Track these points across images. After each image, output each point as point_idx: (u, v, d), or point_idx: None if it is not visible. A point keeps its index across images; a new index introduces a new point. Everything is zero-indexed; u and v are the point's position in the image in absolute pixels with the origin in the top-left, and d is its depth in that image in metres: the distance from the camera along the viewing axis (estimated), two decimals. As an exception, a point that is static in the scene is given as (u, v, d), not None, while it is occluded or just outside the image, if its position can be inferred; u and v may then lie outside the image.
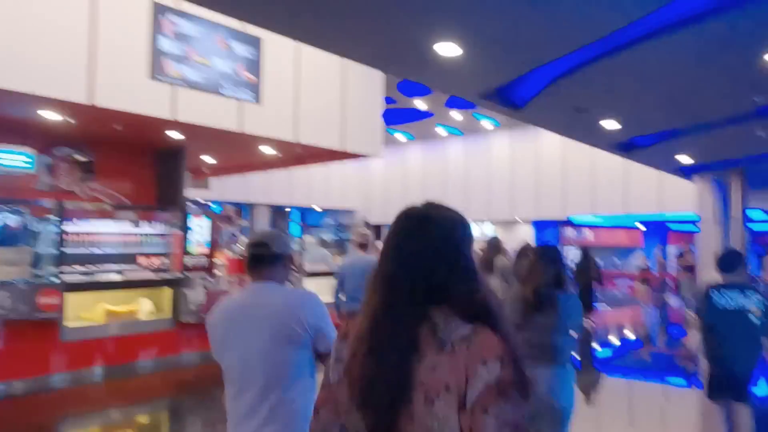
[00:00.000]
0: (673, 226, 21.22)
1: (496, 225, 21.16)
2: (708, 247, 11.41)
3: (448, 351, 1.10)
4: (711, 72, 5.40)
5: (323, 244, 10.46)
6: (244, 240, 8.98)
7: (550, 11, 3.97)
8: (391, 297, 1.19)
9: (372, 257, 6.17)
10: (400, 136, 21.65)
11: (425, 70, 5.17)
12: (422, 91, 15.07)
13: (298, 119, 8.73)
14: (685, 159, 9.99)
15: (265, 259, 2.09)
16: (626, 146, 9.23)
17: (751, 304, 3.64)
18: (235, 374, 2.03)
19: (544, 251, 3.26)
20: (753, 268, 15.39)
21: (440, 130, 20.59)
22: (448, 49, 4.52)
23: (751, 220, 14.14)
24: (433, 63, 4.86)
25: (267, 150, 10.05)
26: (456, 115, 17.98)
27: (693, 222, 21.80)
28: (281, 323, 1.98)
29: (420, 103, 16.59)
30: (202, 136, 8.67)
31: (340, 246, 12.05)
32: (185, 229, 7.88)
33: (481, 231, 21.56)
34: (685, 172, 11.98)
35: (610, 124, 7.22)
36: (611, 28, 4.16)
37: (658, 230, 20.83)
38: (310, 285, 8.77)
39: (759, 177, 11.96)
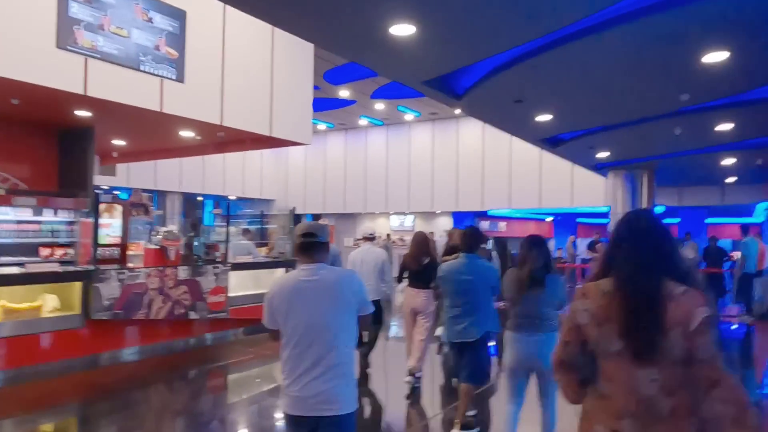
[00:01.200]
0: (581, 219, 22.36)
1: (417, 216, 21.32)
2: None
3: (676, 300, 1.76)
4: (647, 70, 5.56)
5: (247, 235, 9.93)
6: (160, 230, 8.30)
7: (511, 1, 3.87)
8: (640, 271, 1.82)
9: (380, 249, 6.69)
10: (320, 125, 21.23)
11: (377, 52, 4.93)
12: (349, 79, 14.78)
13: (223, 100, 8.19)
14: (602, 155, 10.42)
15: (314, 246, 2.61)
16: (553, 141, 9.47)
17: None
18: (302, 335, 2.51)
19: (535, 242, 3.76)
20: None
21: (363, 121, 20.40)
22: (403, 30, 4.30)
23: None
24: (385, 46, 4.62)
25: (186, 134, 9.39)
26: (380, 105, 17.84)
27: (601, 215, 23.16)
28: (339, 294, 2.56)
29: (345, 93, 16.28)
30: (114, 115, 7.91)
31: (261, 237, 11.55)
32: (96, 217, 7.15)
33: (400, 222, 21.66)
34: (600, 167, 12.57)
35: (544, 118, 7.33)
36: (574, 17, 4.11)
37: (566, 223, 21.89)
38: (235, 278, 8.30)
39: (664, 174, 12.79)
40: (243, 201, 21.32)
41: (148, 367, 7.01)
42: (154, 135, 9.73)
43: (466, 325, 4.31)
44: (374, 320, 5.38)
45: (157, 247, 7.63)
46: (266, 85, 8.86)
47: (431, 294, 5.63)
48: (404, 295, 6.03)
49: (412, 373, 5.69)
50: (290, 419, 2.54)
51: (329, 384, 2.46)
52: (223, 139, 9.70)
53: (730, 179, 14.25)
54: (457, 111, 18.46)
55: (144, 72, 7.09)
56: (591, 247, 14.29)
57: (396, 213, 21.60)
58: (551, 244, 21.28)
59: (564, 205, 17.93)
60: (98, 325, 6.72)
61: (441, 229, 20.95)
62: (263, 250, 10.38)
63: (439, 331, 6.46)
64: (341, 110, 18.42)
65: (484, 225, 21.40)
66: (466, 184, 19.34)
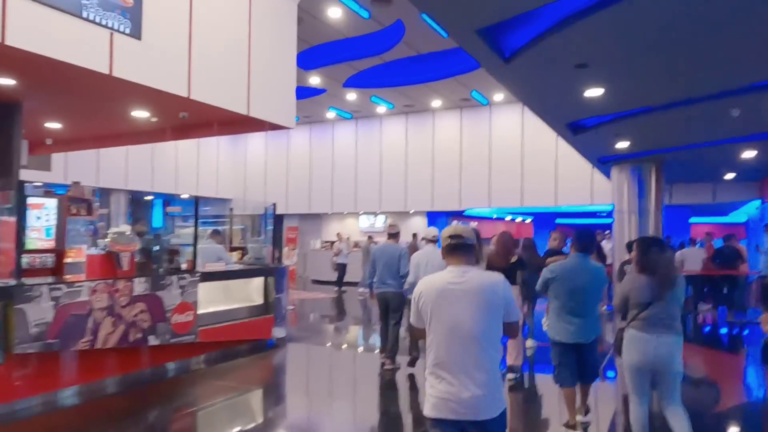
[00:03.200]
0: (560, 220, 21.55)
1: (389, 216, 19.91)
2: (623, 236, 10.96)
3: None
4: (726, 39, 4.34)
5: (215, 237, 8.22)
6: (107, 232, 6.53)
7: None
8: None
9: (400, 246, 6.89)
10: (283, 118, 19.50)
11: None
12: (322, 62, 13.20)
13: (191, 67, 6.50)
14: (622, 145, 9.29)
15: (462, 248, 2.60)
16: (577, 127, 8.25)
17: None
18: (448, 338, 2.48)
19: (654, 242, 3.83)
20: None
21: (330, 114, 18.80)
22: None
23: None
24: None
25: (140, 114, 7.63)
26: (351, 96, 16.33)
27: (581, 214, 22.41)
28: (486, 298, 2.51)
29: (315, 80, 14.68)
30: (47, 84, 6.12)
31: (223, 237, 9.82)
32: (21, 215, 5.37)
33: (371, 223, 20.17)
34: (604, 161, 11.48)
35: (594, 93, 6.04)
36: None
37: (545, 223, 20.97)
38: (205, 290, 6.63)
39: (669, 170, 11.80)
40: (198, 200, 19.33)
41: (93, 413, 5.26)
42: (98, 114, 7.91)
43: (582, 326, 4.36)
44: None
45: (105, 253, 5.88)
46: (243, 50, 7.21)
47: (519, 291, 6.13)
48: None
49: (513, 370, 6.10)
50: (435, 423, 2.48)
51: (476, 388, 2.42)
52: (186, 121, 7.98)
53: (729, 175, 13.49)
54: (434, 103, 17.18)
55: (87, 21, 5.35)
56: (629, 248, 13.23)
57: (366, 213, 20.09)
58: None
59: (548, 204, 16.91)
60: (23, 362, 4.95)
61: (417, 230, 19.63)
62: (234, 255, 8.70)
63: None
64: (308, 101, 16.78)
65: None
66: (442, 182, 18.05)
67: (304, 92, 15.81)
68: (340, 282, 15.65)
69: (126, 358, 5.85)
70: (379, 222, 20.11)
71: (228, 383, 6.23)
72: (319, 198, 20.01)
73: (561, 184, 16.49)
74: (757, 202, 14.93)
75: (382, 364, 6.71)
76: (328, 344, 8.94)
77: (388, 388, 6.28)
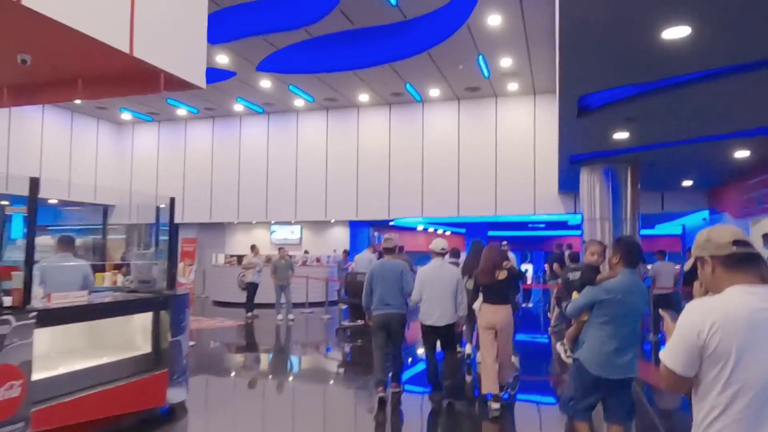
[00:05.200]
0: (493, 232, 20.11)
1: (305, 227, 17.38)
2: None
3: None
4: None
5: (67, 248, 5.36)
6: None
7: None
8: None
9: (400, 262, 6.06)
10: (180, 109, 16.43)
11: None
12: (233, 35, 10.59)
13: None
14: (620, 135, 7.58)
15: (757, 259, 1.87)
16: (584, 106, 6.38)
17: None
18: (762, 390, 1.74)
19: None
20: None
21: (238, 106, 15.99)
22: None
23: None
24: None
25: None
26: (266, 83, 13.73)
27: (517, 225, 21.13)
28: None
29: (223, 59, 11.99)
30: None
31: (102, 254, 6.93)
32: None
33: (284, 237, 17.52)
34: (573, 161, 9.85)
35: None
36: None
37: (478, 234, 19.36)
38: (49, 338, 3.88)
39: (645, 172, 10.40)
40: (71, 205, 15.77)
41: None
42: None
43: (631, 358, 3.68)
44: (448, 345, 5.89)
45: None
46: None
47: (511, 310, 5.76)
48: (481, 313, 5.70)
49: (499, 398, 5.44)
50: None
51: None
52: (32, 73, 5.12)
53: (687, 182, 12.47)
54: (361, 97, 14.97)
55: None
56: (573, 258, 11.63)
57: (279, 223, 17.42)
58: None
59: (487, 214, 15.20)
60: None
61: (337, 241, 17.24)
62: (107, 278, 5.88)
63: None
64: (213, 88, 13.96)
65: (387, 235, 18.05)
66: (368, 189, 15.85)
67: (209, 75, 13.02)
68: (250, 304, 12.90)
69: None
70: (295, 233, 17.53)
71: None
72: (223, 205, 17.06)
73: (501, 193, 14.87)
74: (705, 213, 14.18)
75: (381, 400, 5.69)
76: (255, 409, 6.18)
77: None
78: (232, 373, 7.84)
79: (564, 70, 5.28)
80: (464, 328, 6.81)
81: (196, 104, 15.98)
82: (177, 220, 6.26)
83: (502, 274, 5.58)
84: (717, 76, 5.17)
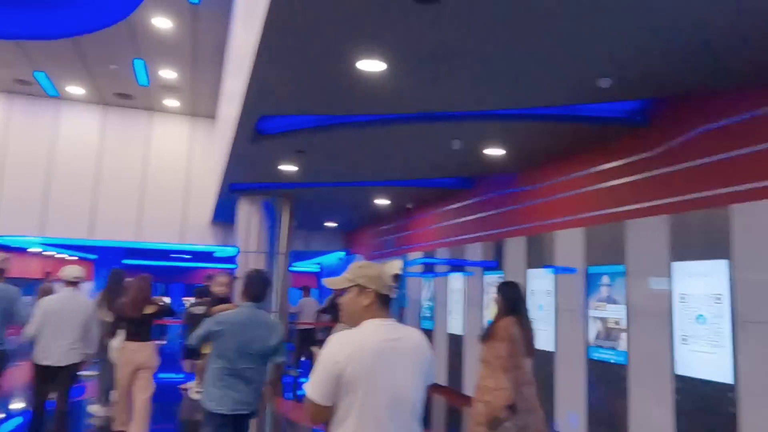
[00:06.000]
0: (129, 261, 17.82)
1: None
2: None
3: None
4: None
5: None
6: None
7: None
8: None
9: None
10: None
11: None
12: None
13: None
14: (288, 168, 7.39)
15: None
16: (261, 130, 5.93)
17: None
18: (397, 410, 2.01)
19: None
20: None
21: None
22: None
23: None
24: None
25: None
26: None
27: (154, 253, 19.05)
28: (422, 359, 2.12)
29: None
30: None
31: None
32: None
33: None
34: (233, 189, 9.36)
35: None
36: None
37: (112, 260, 16.81)
38: None
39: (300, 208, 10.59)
40: None
41: None
42: None
43: (249, 393, 3.63)
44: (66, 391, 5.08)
45: None
46: None
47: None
48: (122, 351, 5.30)
49: None
50: None
51: None
52: None
53: (331, 223, 13.39)
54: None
55: None
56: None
57: None
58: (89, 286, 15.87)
59: (129, 239, 13.40)
60: None
61: None
62: None
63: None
64: None
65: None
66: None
67: None
68: None
69: None
70: None
71: None
72: None
73: (148, 217, 13.33)
74: (341, 253, 15.48)
75: None
76: None
77: None
78: None
79: (251, 88, 4.74)
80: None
81: None
82: None
83: (150, 308, 5.28)
84: (392, 121, 5.41)
